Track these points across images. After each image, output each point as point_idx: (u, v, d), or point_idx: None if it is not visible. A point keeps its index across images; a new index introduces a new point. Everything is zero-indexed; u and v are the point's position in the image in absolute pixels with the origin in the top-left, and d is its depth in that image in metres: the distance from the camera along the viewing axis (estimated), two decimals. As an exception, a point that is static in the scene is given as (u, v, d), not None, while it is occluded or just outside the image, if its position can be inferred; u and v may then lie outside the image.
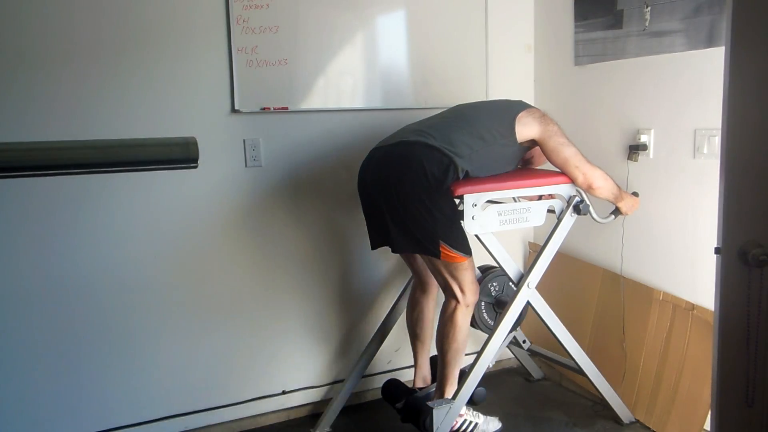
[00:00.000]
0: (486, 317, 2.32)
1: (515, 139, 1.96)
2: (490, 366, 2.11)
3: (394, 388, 2.28)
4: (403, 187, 1.84)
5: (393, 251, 2.00)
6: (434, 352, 2.19)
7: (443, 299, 2.04)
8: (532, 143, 2.03)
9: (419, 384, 2.28)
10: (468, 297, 1.98)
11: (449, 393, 2.03)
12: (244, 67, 2.20)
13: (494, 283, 2.33)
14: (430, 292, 2.21)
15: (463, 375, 2.04)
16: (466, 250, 1.91)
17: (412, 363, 2.69)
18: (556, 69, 2.63)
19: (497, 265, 2.34)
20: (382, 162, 1.96)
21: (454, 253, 1.88)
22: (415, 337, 2.26)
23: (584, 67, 2.48)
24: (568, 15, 2.50)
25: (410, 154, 1.87)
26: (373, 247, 2.09)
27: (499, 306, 2.33)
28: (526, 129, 1.96)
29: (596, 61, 2.41)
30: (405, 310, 2.30)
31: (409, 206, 1.84)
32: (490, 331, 2.17)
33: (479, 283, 2.13)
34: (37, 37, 1.95)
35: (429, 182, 1.82)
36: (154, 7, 2.07)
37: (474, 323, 2.23)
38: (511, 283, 2.31)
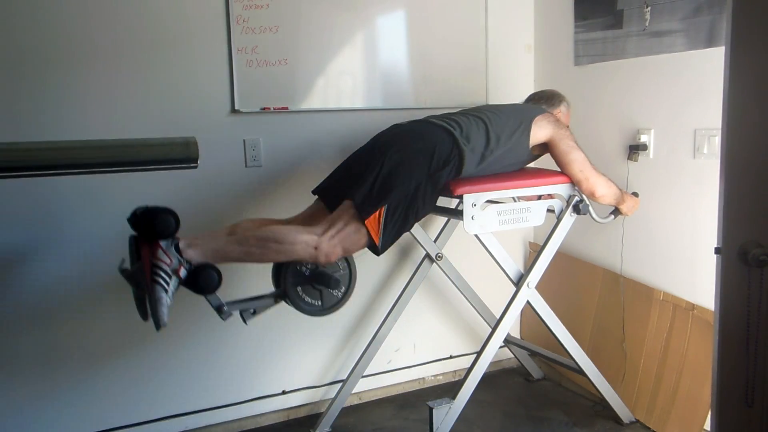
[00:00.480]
0: (308, 298, 1.93)
1: (528, 141, 1.98)
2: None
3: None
4: (405, 152, 1.82)
5: (351, 199, 1.77)
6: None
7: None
8: (540, 151, 2.06)
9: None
10: (325, 245, 1.71)
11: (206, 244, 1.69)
12: (244, 67, 2.20)
13: (304, 264, 1.87)
14: (293, 222, 1.94)
15: None
16: (384, 244, 1.77)
17: (412, 363, 2.70)
18: (556, 69, 2.63)
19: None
20: (400, 132, 1.96)
21: (377, 227, 1.74)
22: (237, 225, 1.84)
23: (584, 67, 2.48)
24: (568, 15, 2.50)
25: (430, 132, 1.89)
26: (314, 191, 1.96)
27: (318, 281, 1.88)
28: (540, 131, 2.00)
29: (596, 61, 2.41)
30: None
31: (395, 167, 1.78)
32: (313, 307, 1.89)
33: (284, 275, 1.84)
34: (37, 39, 1.95)
35: (432, 162, 1.82)
36: (154, 7, 2.07)
37: (299, 306, 1.89)
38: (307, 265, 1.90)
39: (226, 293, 1.78)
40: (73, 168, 1.45)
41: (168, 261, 1.60)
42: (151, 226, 1.62)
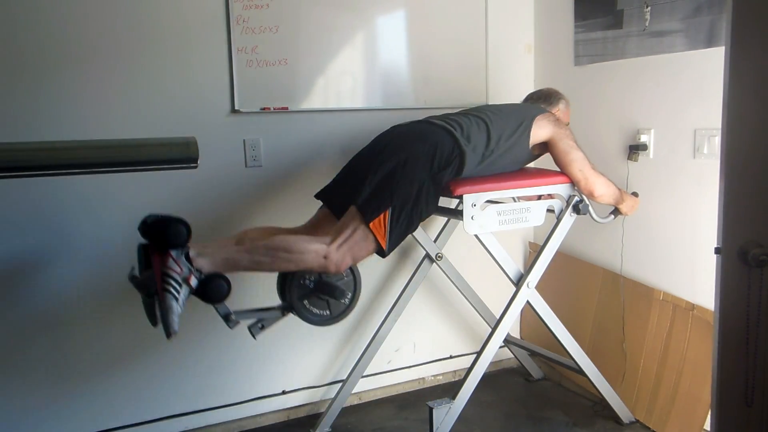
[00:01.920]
0: (315, 310, 1.92)
1: (528, 140, 1.98)
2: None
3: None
4: (406, 154, 1.82)
5: (350, 203, 1.79)
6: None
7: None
8: (540, 150, 2.06)
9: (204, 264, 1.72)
10: (334, 255, 1.72)
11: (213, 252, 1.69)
12: (244, 67, 2.20)
13: (307, 276, 1.89)
14: (300, 231, 1.95)
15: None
16: (390, 245, 1.77)
17: (412, 363, 2.69)
18: (556, 69, 2.63)
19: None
20: (399, 133, 1.96)
21: (383, 231, 1.74)
22: (245, 234, 1.86)
23: (584, 67, 2.48)
24: (568, 15, 2.50)
25: (431, 132, 1.89)
26: (317, 196, 1.97)
27: (323, 291, 1.88)
28: (540, 130, 2.00)
29: (596, 61, 2.41)
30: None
31: (397, 170, 1.78)
32: (322, 318, 1.88)
33: (289, 288, 1.84)
34: (37, 39, 1.95)
35: (433, 162, 1.82)
36: (154, 7, 2.07)
37: (307, 318, 1.89)
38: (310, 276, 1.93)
39: (233, 302, 1.78)
40: (72, 168, 1.45)
41: (179, 270, 1.60)
42: (163, 236, 1.62)
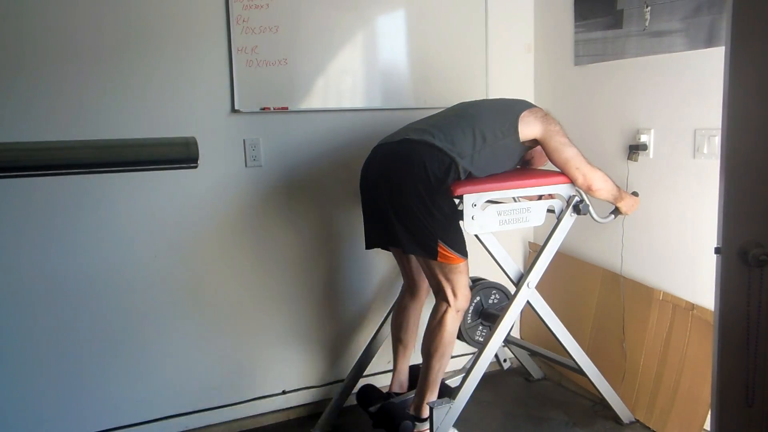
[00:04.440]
0: (471, 330, 2.31)
1: (517, 138, 1.95)
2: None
3: (369, 392, 2.25)
4: (404, 185, 1.84)
5: (404, 252, 1.96)
6: (415, 360, 2.18)
7: (432, 305, 2.02)
8: (534, 143, 2.03)
9: (395, 389, 2.25)
10: (460, 301, 1.95)
11: (429, 399, 1.99)
12: (244, 67, 2.20)
13: (481, 295, 2.31)
14: (419, 297, 2.19)
15: (446, 387, 2.02)
16: (464, 252, 1.91)
17: (412, 363, 2.68)
18: (556, 69, 2.63)
19: (483, 278, 2.35)
20: (384, 159, 1.96)
21: (452, 254, 1.87)
22: (398, 341, 2.23)
23: (584, 67, 2.48)
24: (568, 15, 2.50)
25: (413, 152, 1.87)
26: (368, 247, 2.08)
27: (486, 319, 2.30)
28: (528, 128, 1.96)
29: (596, 61, 2.41)
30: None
31: (409, 205, 1.84)
32: (475, 343, 2.16)
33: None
34: (37, 38, 1.95)
35: (430, 181, 1.82)
36: (154, 7, 2.07)
37: (459, 334, 2.19)
38: (495, 295, 2.32)
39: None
40: (71, 168, 1.45)
41: None
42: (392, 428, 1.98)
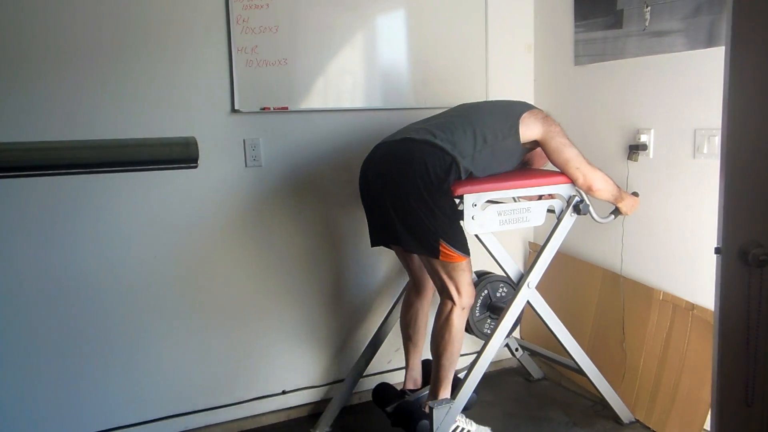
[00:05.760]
0: (479, 323, 2.32)
1: (518, 139, 1.96)
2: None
3: (384, 391, 2.27)
4: (404, 184, 1.84)
5: (405, 250, 1.98)
6: (426, 355, 2.18)
7: (438, 302, 2.03)
8: (534, 144, 2.03)
9: (410, 386, 2.27)
10: (464, 299, 1.96)
11: (443, 396, 2.01)
12: (244, 67, 2.20)
13: (488, 289, 2.32)
14: (425, 294, 2.20)
15: (458, 381, 2.03)
16: (465, 250, 1.91)
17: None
18: (556, 69, 2.63)
19: (491, 272, 2.35)
20: (385, 158, 1.96)
21: (454, 253, 1.88)
22: (407, 339, 2.25)
23: (584, 67, 2.48)
24: (568, 15, 2.50)
25: (414, 151, 1.88)
26: (373, 245, 2.09)
27: (493, 312, 2.31)
28: (528, 130, 1.97)
29: (596, 61, 2.41)
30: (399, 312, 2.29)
31: (410, 204, 1.84)
32: (485, 336, 2.16)
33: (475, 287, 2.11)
34: (38, 38, 1.95)
35: (431, 181, 1.82)
36: (154, 7, 2.07)
37: (468, 328, 2.21)
38: (503, 288, 2.33)
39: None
40: (72, 168, 1.45)
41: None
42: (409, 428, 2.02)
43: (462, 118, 1.98)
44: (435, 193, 1.83)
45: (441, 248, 1.86)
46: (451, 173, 1.84)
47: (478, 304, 2.29)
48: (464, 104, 2.16)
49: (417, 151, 1.87)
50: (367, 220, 2.08)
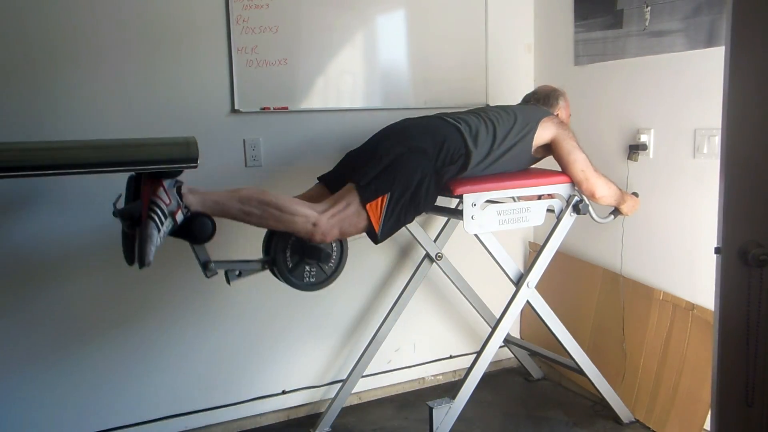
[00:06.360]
0: (296, 271, 1.86)
1: (532, 138, 1.99)
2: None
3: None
4: (414, 144, 1.83)
5: (357, 183, 1.78)
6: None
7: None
8: (543, 153, 2.07)
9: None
10: (323, 224, 1.72)
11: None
12: (244, 67, 2.20)
13: (295, 237, 1.83)
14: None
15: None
16: (386, 229, 1.77)
17: (412, 363, 2.69)
18: (556, 69, 2.63)
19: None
20: (410, 121, 1.99)
21: (378, 213, 1.75)
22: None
23: (584, 67, 2.48)
24: (568, 15, 2.50)
25: (441, 126, 1.91)
26: (320, 179, 1.98)
27: (309, 254, 1.83)
28: (545, 131, 2.01)
29: (596, 61, 2.41)
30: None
31: (403, 157, 1.80)
32: (307, 286, 1.86)
33: (275, 242, 1.80)
34: (38, 38, 1.94)
35: (437, 157, 1.83)
36: (154, 7, 2.07)
37: (288, 280, 1.84)
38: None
39: (211, 254, 1.76)
40: (72, 168, 1.45)
41: (167, 201, 1.57)
42: None
43: (488, 120, 1.98)
44: (432, 170, 1.82)
45: (378, 199, 1.75)
46: (458, 162, 1.86)
47: (288, 252, 1.85)
48: (495, 105, 2.18)
49: (444, 128, 1.91)
50: (341, 160, 1.98)
